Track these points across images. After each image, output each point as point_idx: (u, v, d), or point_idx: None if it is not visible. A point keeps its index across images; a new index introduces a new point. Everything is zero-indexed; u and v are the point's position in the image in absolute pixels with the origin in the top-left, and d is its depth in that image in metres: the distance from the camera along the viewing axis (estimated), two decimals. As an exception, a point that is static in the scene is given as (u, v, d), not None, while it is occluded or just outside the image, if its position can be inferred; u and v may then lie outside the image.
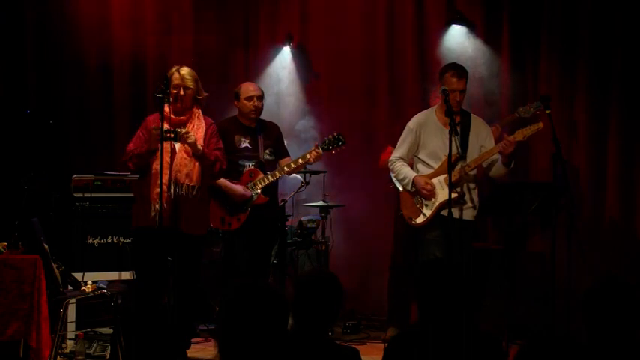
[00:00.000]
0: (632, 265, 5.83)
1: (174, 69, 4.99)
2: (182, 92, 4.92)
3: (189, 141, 4.84)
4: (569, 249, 4.99)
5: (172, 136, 4.81)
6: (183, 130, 4.86)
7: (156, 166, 4.83)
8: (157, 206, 4.77)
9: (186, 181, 4.87)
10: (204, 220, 5.10)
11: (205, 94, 5.08)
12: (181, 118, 4.95)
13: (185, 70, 4.98)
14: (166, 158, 4.81)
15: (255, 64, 7.20)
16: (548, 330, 5.21)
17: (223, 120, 5.72)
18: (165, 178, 4.78)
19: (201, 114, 5.04)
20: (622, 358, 2.82)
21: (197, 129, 4.98)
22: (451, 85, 4.93)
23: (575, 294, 5.13)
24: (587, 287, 2.97)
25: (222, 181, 5.41)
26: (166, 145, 4.82)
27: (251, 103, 5.55)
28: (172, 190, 4.82)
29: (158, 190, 4.77)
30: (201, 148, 4.90)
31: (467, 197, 5.00)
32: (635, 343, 2.83)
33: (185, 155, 4.89)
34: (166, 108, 4.92)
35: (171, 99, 4.87)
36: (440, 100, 5.03)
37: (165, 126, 4.75)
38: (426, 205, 5.07)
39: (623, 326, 2.83)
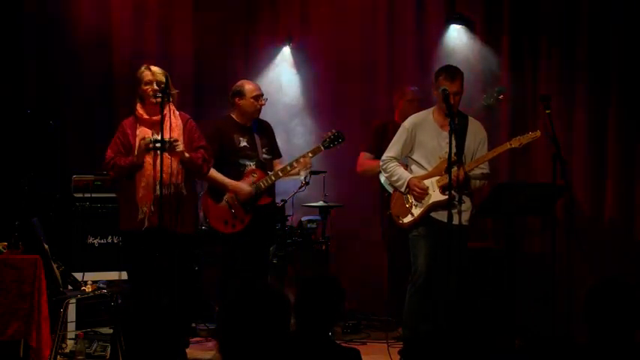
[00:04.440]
0: (632, 265, 5.83)
1: (143, 67, 4.93)
2: (156, 87, 4.84)
3: (177, 150, 4.79)
4: (569, 249, 4.99)
5: (168, 145, 4.74)
6: (172, 138, 4.79)
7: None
8: (145, 208, 4.77)
9: (172, 180, 4.84)
10: (192, 218, 5.06)
11: (176, 90, 5.01)
12: (155, 117, 4.83)
13: (155, 67, 4.93)
14: (149, 159, 4.79)
15: (255, 64, 7.19)
16: (548, 330, 5.21)
17: (217, 120, 5.63)
18: (150, 180, 4.76)
19: (175, 110, 4.97)
20: (623, 358, 2.82)
21: (173, 126, 4.88)
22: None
23: (575, 294, 5.14)
24: (588, 287, 2.97)
25: (228, 181, 5.40)
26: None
27: (259, 102, 5.53)
28: (159, 191, 4.78)
29: (145, 192, 4.76)
30: (188, 155, 4.87)
31: (465, 199, 4.98)
32: (635, 344, 2.84)
33: (168, 155, 4.82)
34: (139, 109, 4.91)
35: (143, 98, 4.85)
36: (438, 100, 5.03)
37: (151, 135, 4.73)
38: (416, 206, 5.05)
39: (623, 326, 2.84)
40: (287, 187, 6.18)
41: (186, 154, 4.84)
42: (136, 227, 4.81)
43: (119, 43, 6.86)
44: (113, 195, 5.81)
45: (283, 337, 2.34)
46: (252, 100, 5.50)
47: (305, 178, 5.87)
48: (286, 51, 7.18)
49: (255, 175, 5.43)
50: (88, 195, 5.81)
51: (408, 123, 5.17)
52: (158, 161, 4.76)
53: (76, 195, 5.80)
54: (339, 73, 7.07)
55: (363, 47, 7.06)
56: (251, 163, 5.47)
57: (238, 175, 5.43)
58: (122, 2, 6.91)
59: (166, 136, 4.79)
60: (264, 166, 5.52)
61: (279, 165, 5.58)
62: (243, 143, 5.49)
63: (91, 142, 6.75)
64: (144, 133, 4.85)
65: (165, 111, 4.80)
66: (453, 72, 5.00)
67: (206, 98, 6.90)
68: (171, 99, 4.85)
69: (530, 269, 6.02)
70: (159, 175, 4.72)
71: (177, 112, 4.95)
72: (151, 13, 7.00)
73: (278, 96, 6.95)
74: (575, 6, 6.30)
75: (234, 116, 5.55)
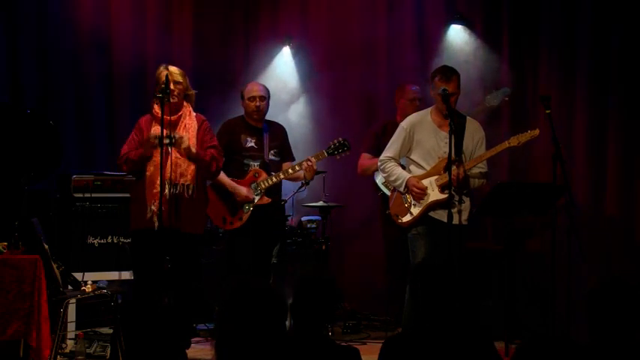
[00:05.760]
0: (632, 265, 5.83)
1: (162, 67, 5.01)
2: (172, 87, 4.90)
3: (183, 146, 4.87)
4: (569, 249, 4.99)
5: (168, 141, 4.82)
6: (177, 135, 4.87)
7: (150, 167, 4.87)
8: (153, 207, 4.81)
9: (181, 180, 4.88)
10: (200, 218, 5.10)
11: (193, 91, 5.08)
12: (172, 117, 4.92)
13: (173, 67, 5.02)
14: (159, 159, 4.81)
15: (255, 64, 7.19)
16: (548, 330, 5.21)
17: (230, 119, 5.82)
18: (159, 179, 4.79)
19: (192, 111, 5.06)
20: (624, 358, 2.82)
21: (189, 127, 4.99)
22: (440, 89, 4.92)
23: (575, 294, 5.15)
24: (589, 288, 2.98)
25: (228, 180, 5.46)
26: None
27: (253, 103, 5.61)
28: (168, 190, 4.83)
29: (154, 190, 4.80)
30: (195, 150, 4.92)
31: (465, 199, 4.98)
32: (636, 344, 2.84)
33: (179, 155, 4.91)
34: (156, 108, 4.95)
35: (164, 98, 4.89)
36: (437, 101, 5.03)
37: (160, 131, 4.76)
38: (414, 205, 5.06)
39: (625, 328, 2.84)
40: (287, 187, 6.18)
41: (193, 150, 4.89)
42: (145, 226, 4.86)
43: (119, 43, 6.86)
44: (113, 195, 5.84)
45: (280, 337, 2.34)
46: (247, 101, 5.66)
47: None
48: (286, 51, 7.19)
49: (258, 175, 5.50)
50: (88, 195, 5.82)
51: (405, 123, 5.18)
52: (169, 161, 4.84)
53: (75, 195, 5.81)
54: (339, 73, 7.07)
55: (363, 47, 7.06)
56: (255, 164, 5.59)
57: (242, 173, 5.54)
58: (122, 2, 6.91)
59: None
60: (269, 167, 5.59)
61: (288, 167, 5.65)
62: (250, 144, 5.60)
63: (90, 142, 6.76)
64: (158, 131, 4.88)
65: (182, 111, 4.96)
66: (448, 72, 5.01)
67: (206, 98, 6.90)
68: (171, 99, 4.90)
69: (530, 269, 6.02)
70: (167, 174, 4.79)
71: (193, 113, 5.06)
72: (151, 13, 7.01)
73: (277, 96, 6.94)
74: (575, 5, 6.29)
75: (244, 117, 5.67)
